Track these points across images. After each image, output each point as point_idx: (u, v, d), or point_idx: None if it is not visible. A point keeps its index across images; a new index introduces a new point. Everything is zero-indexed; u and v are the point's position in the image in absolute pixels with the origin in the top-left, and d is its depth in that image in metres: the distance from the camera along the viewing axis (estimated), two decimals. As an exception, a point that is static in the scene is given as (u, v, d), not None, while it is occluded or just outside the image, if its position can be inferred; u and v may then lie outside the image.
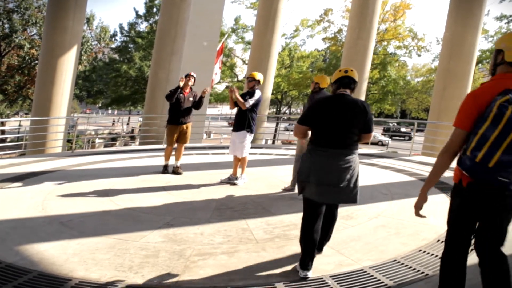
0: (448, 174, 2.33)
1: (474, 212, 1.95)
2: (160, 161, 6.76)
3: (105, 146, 20.12)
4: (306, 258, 2.73)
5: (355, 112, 2.77)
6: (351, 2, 15.04)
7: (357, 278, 2.71)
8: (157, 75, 13.74)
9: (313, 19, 29.15)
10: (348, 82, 2.88)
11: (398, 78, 27.43)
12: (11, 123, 23.54)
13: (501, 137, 1.75)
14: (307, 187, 2.78)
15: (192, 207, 4.44)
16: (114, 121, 38.53)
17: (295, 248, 3.27)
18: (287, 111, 37.50)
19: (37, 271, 2.73)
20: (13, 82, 25.22)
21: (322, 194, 2.75)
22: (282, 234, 3.60)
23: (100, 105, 41.65)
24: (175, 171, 6.21)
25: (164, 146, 7.21)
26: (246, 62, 25.38)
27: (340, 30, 28.27)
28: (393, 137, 30.60)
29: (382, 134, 29.79)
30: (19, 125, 23.74)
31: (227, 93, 29.25)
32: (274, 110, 37.42)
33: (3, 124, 17.41)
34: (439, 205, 4.41)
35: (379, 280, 2.67)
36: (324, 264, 2.93)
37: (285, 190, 5.26)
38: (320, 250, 3.09)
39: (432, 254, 3.07)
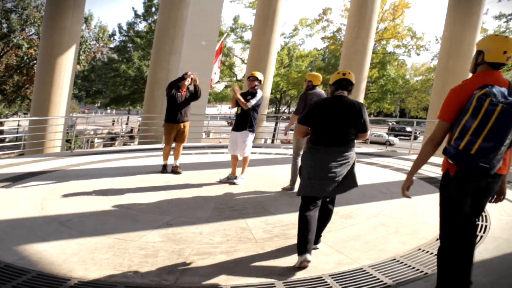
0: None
1: (462, 195, 2.12)
2: (159, 160, 6.75)
3: (104, 146, 20.10)
4: (304, 243, 2.81)
5: (352, 113, 2.95)
6: (350, 1, 15.05)
7: (356, 277, 2.71)
8: (156, 74, 13.73)
9: (312, 18, 29.13)
10: (345, 84, 3.08)
11: (397, 77, 27.46)
12: (10, 123, 23.49)
13: (481, 126, 1.93)
14: (309, 183, 2.93)
15: (191, 207, 4.44)
16: (114, 121, 38.49)
17: (294, 246, 3.26)
18: (286, 111, 37.49)
19: (36, 271, 2.72)
20: (12, 82, 25.19)
21: (321, 189, 2.91)
22: (281, 233, 3.60)
23: (99, 105, 41.63)
24: (174, 170, 6.20)
25: (162, 145, 7.20)
26: (245, 61, 25.39)
27: (339, 29, 28.30)
28: (400, 137, 30.60)
29: (387, 134, 29.82)
30: (18, 125, 23.71)
31: (226, 92, 29.28)
32: (273, 109, 37.44)
33: (1, 124, 17.39)
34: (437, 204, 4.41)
35: (378, 279, 2.67)
36: (323, 263, 2.93)
37: (284, 189, 5.27)
38: (316, 244, 3.16)
39: (431, 253, 3.07)
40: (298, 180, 3.38)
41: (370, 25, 13.94)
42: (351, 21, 14.30)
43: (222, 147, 10.23)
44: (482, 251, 3.08)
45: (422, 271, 2.76)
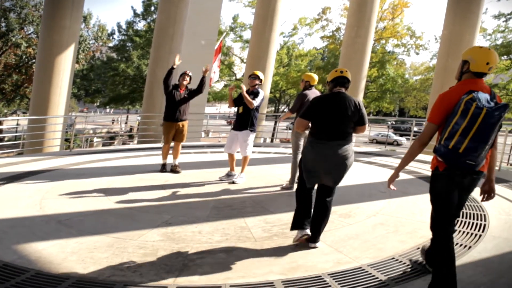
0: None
1: (450, 188, 2.36)
2: (158, 159, 6.75)
3: (103, 145, 20.08)
4: (300, 218, 3.24)
5: (350, 108, 3.15)
6: (350, 1, 15.04)
7: (355, 276, 2.71)
8: (155, 74, 13.69)
9: (311, 18, 29.14)
10: (342, 81, 3.26)
11: (396, 76, 27.46)
12: (9, 122, 23.45)
13: (468, 128, 2.16)
14: (310, 175, 3.19)
15: (190, 206, 4.44)
16: (113, 120, 38.42)
17: (293, 245, 3.27)
18: (285, 110, 37.48)
19: (35, 270, 2.72)
20: (11, 81, 25.15)
21: (322, 179, 3.19)
22: (280, 232, 3.60)
23: (98, 104, 41.55)
24: (173, 169, 6.20)
25: (161, 145, 7.20)
26: (244, 60, 25.37)
27: (338, 29, 28.29)
28: (407, 137, 30.61)
29: (393, 133, 29.80)
30: (17, 124, 23.68)
31: (225, 91, 29.24)
32: (273, 108, 37.42)
33: (0, 123, 17.35)
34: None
35: (377, 278, 2.67)
36: (322, 262, 2.94)
37: (283, 188, 5.27)
38: (315, 241, 3.23)
39: (430, 252, 3.07)
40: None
41: (370, 24, 13.93)
42: (350, 20, 14.30)
43: (221, 146, 10.22)
44: (481, 250, 3.09)
45: (421, 270, 2.76)
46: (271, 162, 7.62)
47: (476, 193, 5.07)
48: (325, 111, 3.15)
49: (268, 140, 20.21)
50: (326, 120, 3.15)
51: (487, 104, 2.17)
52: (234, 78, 29.48)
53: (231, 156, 5.71)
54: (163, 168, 6.26)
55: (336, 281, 2.63)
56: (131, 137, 21.65)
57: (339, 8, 53.45)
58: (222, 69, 26.27)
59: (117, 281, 2.60)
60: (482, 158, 2.25)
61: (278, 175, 6.10)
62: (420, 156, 9.52)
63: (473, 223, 3.80)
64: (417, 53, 28.38)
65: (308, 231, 3.19)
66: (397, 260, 2.97)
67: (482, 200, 2.50)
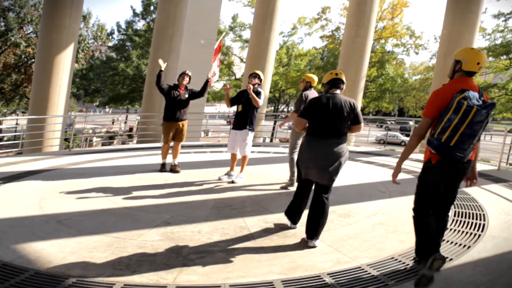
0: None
1: (440, 180, 2.62)
2: (157, 159, 6.74)
3: (103, 144, 20.07)
4: (295, 216, 3.61)
5: (345, 108, 3.32)
6: (349, 0, 15.03)
7: (354, 275, 2.71)
8: (155, 73, 13.47)
9: (310, 17, 29.12)
10: (338, 83, 3.45)
11: (395, 76, 27.47)
12: (8, 122, 23.42)
13: (459, 124, 2.40)
14: (307, 171, 3.36)
15: (190, 205, 4.44)
16: (114, 120, 38.36)
17: (293, 245, 3.27)
18: (285, 110, 37.48)
19: (34, 270, 2.72)
20: (10, 80, 25.12)
21: (317, 176, 3.31)
22: (280, 232, 3.61)
23: (97, 103, 41.49)
24: (173, 169, 6.20)
25: (161, 144, 7.20)
26: (244, 60, 25.35)
27: (338, 28, 28.29)
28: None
29: (400, 133, 29.80)
30: (16, 124, 23.65)
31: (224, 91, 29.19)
32: (272, 108, 37.41)
33: (0, 123, 17.32)
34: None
35: (376, 277, 2.67)
36: (321, 262, 2.94)
37: (283, 188, 5.28)
38: (314, 238, 3.28)
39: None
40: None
41: (369, 24, 13.93)
42: (350, 20, 14.29)
43: (221, 145, 10.23)
44: (481, 250, 3.09)
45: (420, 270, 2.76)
46: (270, 162, 7.62)
47: (475, 193, 5.07)
48: (322, 111, 3.31)
49: (268, 140, 20.20)
50: (322, 119, 3.32)
51: (477, 102, 2.41)
52: (233, 77, 29.45)
53: (233, 156, 5.71)
54: (162, 168, 6.26)
55: (335, 281, 2.63)
56: (130, 136, 21.64)
57: (339, 7, 53.47)
58: (222, 69, 26.25)
59: (117, 281, 2.60)
60: (470, 151, 2.50)
61: (278, 174, 6.10)
62: (419, 156, 9.51)
63: (472, 223, 3.80)
64: (417, 53, 28.42)
65: (297, 225, 3.57)
66: (396, 259, 2.97)
67: (466, 186, 2.79)
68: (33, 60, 23.04)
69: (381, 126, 31.65)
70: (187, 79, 6.19)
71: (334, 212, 4.20)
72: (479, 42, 27.89)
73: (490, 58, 21.72)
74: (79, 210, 4.12)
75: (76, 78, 31.03)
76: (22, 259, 2.89)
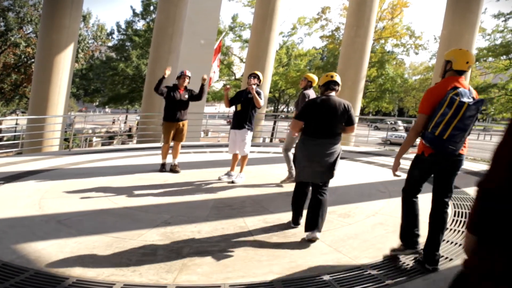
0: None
1: (431, 172, 2.84)
2: (157, 159, 6.74)
3: (103, 144, 20.06)
4: (296, 216, 3.69)
5: (339, 110, 3.46)
6: (349, 0, 15.04)
7: (354, 275, 2.71)
8: (155, 73, 13.67)
9: (310, 17, 29.13)
10: (333, 85, 3.59)
11: (395, 76, 27.50)
12: (8, 122, 23.41)
13: (452, 119, 2.58)
14: (302, 171, 3.50)
15: (190, 205, 4.44)
16: (114, 120, 38.31)
17: (293, 245, 3.27)
18: (284, 110, 37.48)
19: (34, 270, 2.72)
20: (10, 80, 25.11)
21: (310, 175, 3.47)
22: (279, 232, 3.60)
23: (97, 103, 41.48)
24: (173, 169, 6.20)
25: (161, 144, 7.20)
26: (244, 60, 25.34)
27: (337, 28, 28.32)
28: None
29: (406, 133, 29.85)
30: (16, 124, 23.63)
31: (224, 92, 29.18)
32: (272, 108, 37.41)
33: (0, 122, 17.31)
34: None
35: (376, 277, 2.68)
36: (321, 262, 2.94)
37: (283, 182, 5.48)
38: (314, 229, 3.36)
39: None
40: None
41: (369, 24, 13.94)
42: (350, 20, 14.30)
43: (221, 146, 10.23)
44: (480, 250, 3.08)
45: (420, 270, 2.76)
46: (270, 162, 7.61)
47: (475, 193, 5.08)
48: (317, 112, 3.46)
49: (268, 140, 20.20)
50: (317, 120, 3.46)
51: (467, 99, 2.60)
52: (233, 77, 29.45)
53: (235, 156, 5.71)
54: (162, 168, 6.25)
55: (335, 281, 2.63)
56: (130, 136, 21.62)
57: (339, 7, 53.47)
58: (221, 69, 26.24)
59: (117, 281, 2.60)
60: (461, 144, 2.68)
61: (278, 174, 6.10)
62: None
63: (472, 222, 3.80)
64: (417, 53, 28.46)
65: (297, 226, 3.65)
66: (396, 259, 2.97)
67: None
68: (33, 60, 23.02)
69: (379, 128, 31.58)
70: (187, 80, 6.18)
71: (334, 212, 4.20)
72: (479, 42, 27.89)
73: (490, 58, 21.73)
74: (79, 210, 4.12)
75: (76, 78, 31.01)
76: (22, 259, 2.89)
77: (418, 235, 2.88)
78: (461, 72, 2.79)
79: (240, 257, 3.03)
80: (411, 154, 3.99)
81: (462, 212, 4.14)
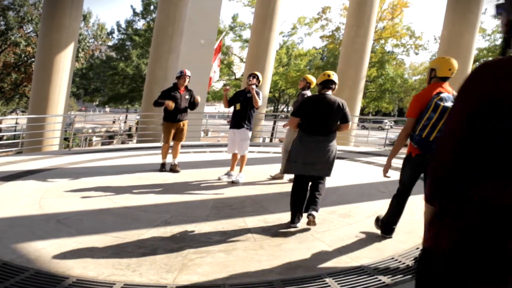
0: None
1: (419, 171, 3.11)
2: (157, 159, 6.74)
3: (102, 144, 20.06)
4: (295, 215, 3.66)
5: (334, 108, 3.62)
6: (349, 0, 15.03)
7: (355, 275, 2.71)
8: (155, 73, 13.70)
9: (310, 17, 29.14)
10: (330, 84, 3.73)
11: (395, 76, 27.50)
12: (8, 121, 23.41)
13: (437, 122, 2.82)
14: (294, 166, 3.64)
15: (190, 205, 4.44)
16: (115, 120, 38.28)
17: (293, 245, 3.27)
18: (284, 109, 37.47)
19: (34, 269, 2.72)
20: (10, 79, 25.11)
21: (308, 170, 3.61)
22: (279, 232, 3.60)
23: (97, 103, 41.46)
24: (173, 169, 6.19)
25: (161, 144, 7.20)
26: (244, 60, 25.34)
27: (338, 28, 28.32)
28: None
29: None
30: (16, 123, 23.65)
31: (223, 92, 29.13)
32: (272, 108, 37.42)
33: (-1, 122, 17.32)
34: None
35: (376, 278, 2.68)
36: (322, 262, 2.94)
37: (273, 178, 5.72)
38: (306, 211, 3.63)
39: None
40: None
41: (369, 24, 13.94)
42: (350, 20, 14.30)
43: (221, 145, 10.22)
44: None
45: (420, 270, 2.76)
46: (270, 161, 7.61)
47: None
48: (312, 110, 3.64)
49: (268, 140, 20.19)
50: (313, 117, 3.63)
51: (451, 103, 2.77)
52: (233, 77, 29.44)
53: (234, 156, 5.72)
54: (162, 168, 6.25)
55: (335, 281, 2.63)
56: (130, 136, 21.61)
57: (339, 7, 53.39)
58: (221, 69, 26.24)
59: (117, 281, 2.60)
60: None
61: (278, 174, 6.09)
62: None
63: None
64: (417, 53, 28.46)
65: (298, 225, 3.68)
66: (396, 260, 2.97)
67: None
68: (33, 59, 23.01)
69: (366, 128, 31.57)
70: (187, 80, 6.18)
71: (334, 212, 4.21)
72: (479, 42, 27.86)
73: (490, 59, 21.72)
74: (79, 210, 4.12)
75: (76, 77, 31.00)
76: (22, 259, 2.89)
77: (394, 228, 3.37)
78: (445, 79, 3.04)
79: (240, 257, 3.03)
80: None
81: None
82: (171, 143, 6.28)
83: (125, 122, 34.23)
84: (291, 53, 28.62)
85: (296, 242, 3.35)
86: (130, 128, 28.99)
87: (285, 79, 26.89)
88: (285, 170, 3.74)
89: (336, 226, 3.77)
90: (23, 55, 24.40)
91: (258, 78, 5.53)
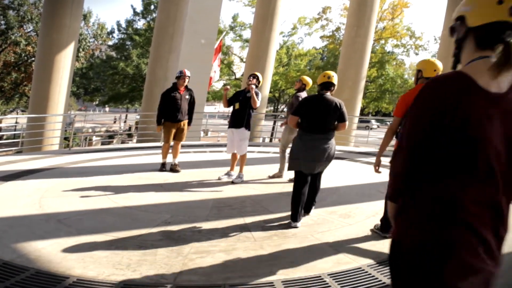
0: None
1: None
2: (157, 158, 6.74)
3: (102, 143, 20.05)
4: (296, 213, 3.71)
5: (332, 108, 3.81)
6: (350, 0, 15.03)
7: (355, 276, 2.71)
8: (155, 72, 13.69)
9: (311, 17, 29.14)
10: (329, 85, 3.93)
11: (395, 76, 27.46)
12: (8, 120, 23.41)
13: None
14: (298, 163, 3.76)
15: (190, 205, 4.44)
16: (115, 119, 38.25)
17: (293, 245, 3.27)
18: (284, 109, 37.45)
19: (35, 269, 2.72)
20: (10, 79, 25.09)
21: (307, 167, 3.75)
22: (280, 232, 3.61)
23: (97, 102, 41.45)
24: (173, 168, 6.20)
25: (161, 144, 7.20)
26: (244, 60, 25.34)
27: (338, 28, 28.29)
28: None
29: None
30: (16, 123, 23.65)
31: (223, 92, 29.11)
32: (272, 108, 37.41)
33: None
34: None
35: (377, 278, 2.68)
36: (322, 262, 2.94)
37: (270, 177, 5.81)
38: (307, 212, 4.02)
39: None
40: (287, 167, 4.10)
41: (370, 24, 13.94)
42: (350, 20, 14.30)
43: (221, 145, 10.22)
44: (480, 251, 3.09)
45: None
46: (270, 161, 7.61)
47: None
48: (311, 109, 3.81)
49: (268, 140, 20.20)
50: (312, 116, 3.80)
51: None
52: (233, 77, 29.43)
53: (234, 155, 5.72)
54: (162, 167, 6.25)
55: (336, 281, 2.63)
56: (130, 136, 21.62)
57: (339, 7, 53.39)
58: (222, 69, 26.23)
59: (117, 280, 2.60)
60: None
61: (278, 174, 6.10)
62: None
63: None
64: (417, 54, 28.38)
65: (298, 224, 3.73)
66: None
67: None
68: (33, 58, 22.99)
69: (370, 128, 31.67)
70: (187, 80, 6.18)
71: (335, 213, 4.21)
72: (479, 43, 27.85)
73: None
74: (79, 209, 4.12)
75: (76, 77, 30.97)
76: (22, 258, 2.89)
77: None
78: None
79: (240, 256, 3.03)
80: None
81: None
82: (171, 143, 6.28)
83: (125, 121, 34.24)
84: (291, 53, 28.60)
85: (296, 242, 3.35)
86: (130, 128, 29.01)
87: (285, 79, 26.87)
88: (289, 168, 3.88)
89: (337, 226, 3.77)
90: (23, 55, 24.38)
91: (258, 79, 5.54)
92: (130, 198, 4.61)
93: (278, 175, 5.93)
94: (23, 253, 2.98)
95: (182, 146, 6.87)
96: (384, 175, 3.34)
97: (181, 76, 6.12)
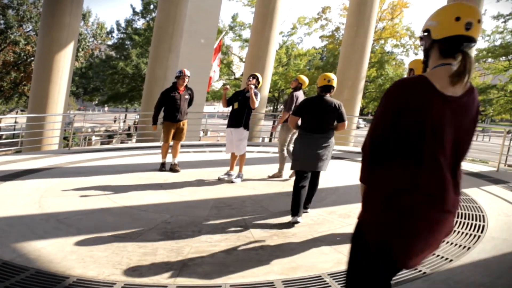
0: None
1: None
2: (157, 158, 6.74)
3: (102, 143, 20.04)
4: (297, 208, 3.79)
5: (330, 109, 3.98)
6: (349, 0, 15.03)
7: (355, 276, 2.71)
8: (155, 72, 13.67)
9: (310, 17, 29.13)
10: (329, 88, 4.06)
11: (395, 76, 27.45)
12: (7, 120, 23.38)
13: None
14: (299, 161, 3.91)
15: (190, 205, 4.44)
16: (115, 119, 38.21)
17: (293, 245, 3.28)
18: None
19: (35, 269, 2.71)
20: (9, 78, 25.07)
21: (308, 165, 3.90)
22: (279, 232, 3.61)
23: (96, 102, 41.42)
24: (173, 168, 6.19)
25: (160, 143, 7.20)
26: (243, 59, 25.34)
27: (337, 28, 28.33)
28: None
29: None
30: (15, 122, 23.63)
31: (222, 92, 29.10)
32: (271, 108, 37.43)
33: (-2, 121, 17.30)
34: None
35: (377, 278, 2.67)
36: (322, 262, 2.94)
37: (270, 177, 5.82)
38: (305, 209, 4.11)
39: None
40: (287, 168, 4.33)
41: (369, 24, 13.93)
42: (350, 20, 14.29)
43: (220, 145, 10.22)
44: (480, 251, 3.10)
45: (420, 271, 2.76)
46: (270, 161, 7.61)
47: (474, 194, 5.08)
48: (311, 110, 3.97)
49: (267, 140, 20.19)
50: (311, 117, 3.96)
51: None
52: (233, 77, 29.43)
53: (233, 155, 5.73)
54: (162, 167, 6.25)
55: (336, 281, 2.63)
56: (129, 135, 21.61)
57: (339, 7, 53.45)
58: (221, 68, 26.21)
59: (117, 280, 2.60)
60: None
61: (277, 174, 6.10)
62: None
63: (472, 224, 3.81)
64: (416, 54, 28.40)
65: (299, 219, 3.80)
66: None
67: None
68: (32, 58, 22.98)
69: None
70: (186, 79, 6.17)
71: (334, 213, 4.21)
72: (479, 43, 27.87)
73: (489, 60, 21.75)
74: (78, 209, 4.12)
75: (76, 76, 30.92)
76: (22, 258, 2.88)
77: None
78: None
79: (240, 257, 3.03)
80: None
81: (462, 213, 4.15)
82: (171, 143, 6.28)
83: (124, 121, 34.21)
84: (290, 53, 28.63)
85: (296, 242, 3.35)
86: (129, 128, 28.99)
87: (284, 79, 26.88)
88: (292, 167, 4.03)
89: (336, 226, 3.77)
90: (22, 54, 24.37)
91: (258, 79, 5.54)
92: (130, 198, 4.60)
93: (278, 175, 5.94)
94: (23, 253, 2.98)
95: (182, 146, 6.87)
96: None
97: (180, 76, 6.12)
